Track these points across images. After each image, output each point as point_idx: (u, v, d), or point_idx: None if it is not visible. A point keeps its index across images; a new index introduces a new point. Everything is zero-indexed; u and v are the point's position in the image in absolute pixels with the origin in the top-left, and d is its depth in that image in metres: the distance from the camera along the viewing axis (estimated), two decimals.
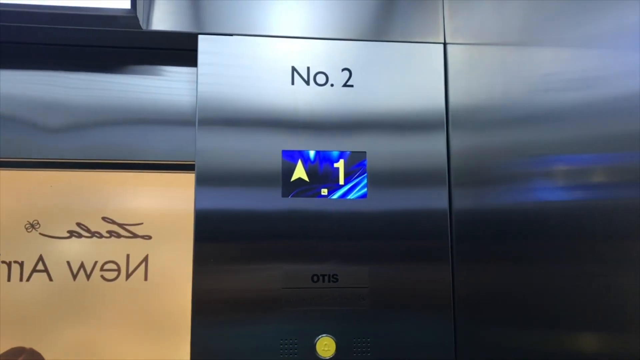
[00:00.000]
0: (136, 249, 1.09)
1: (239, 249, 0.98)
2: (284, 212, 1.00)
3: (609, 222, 0.57)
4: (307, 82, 1.04)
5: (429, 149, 1.04)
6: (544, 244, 0.70)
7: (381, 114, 1.04)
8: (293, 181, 1.01)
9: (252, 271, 0.98)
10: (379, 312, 0.99)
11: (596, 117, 0.59)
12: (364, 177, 1.02)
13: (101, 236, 1.09)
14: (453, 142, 1.04)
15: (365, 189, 1.02)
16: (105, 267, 1.08)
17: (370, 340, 0.98)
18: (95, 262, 1.08)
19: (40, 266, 1.06)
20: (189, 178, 1.06)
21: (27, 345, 1.04)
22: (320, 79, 1.04)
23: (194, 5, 1.05)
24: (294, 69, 1.04)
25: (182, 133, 1.10)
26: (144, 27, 1.02)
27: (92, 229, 1.09)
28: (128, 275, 1.08)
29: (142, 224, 1.10)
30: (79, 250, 1.08)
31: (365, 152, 1.03)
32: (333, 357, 0.97)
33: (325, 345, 0.97)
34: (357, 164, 1.03)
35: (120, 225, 1.09)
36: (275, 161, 1.01)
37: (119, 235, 1.09)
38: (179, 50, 1.11)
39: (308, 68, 1.05)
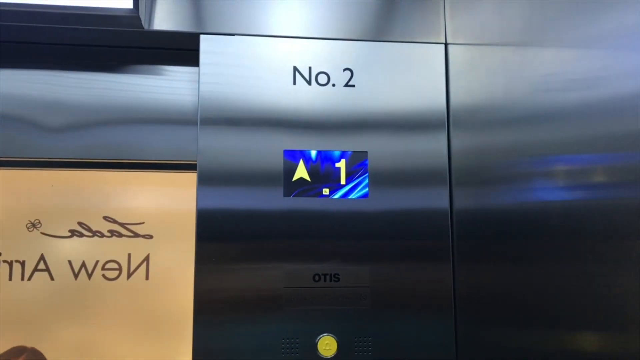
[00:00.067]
0: (137, 249, 1.09)
1: (241, 248, 0.98)
2: (286, 211, 1.00)
3: (609, 222, 0.58)
4: (309, 82, 1.04)
5: (430, 149, 1.04)
6: (544, 244, 0.71)
7: (382, 113, 1.05)
8: (295, 181, 1.01)
9: (253, 270, 0.98)
10: (380, 312, 0.99)
11: (597, 117, 0.60)
12: (365, 177, 1.02)
13: (102, 235, 1.09)
14: (454, 142, 1.04)
15: (367, 189, 1.02)
16: (107, 266, 1.08)
17: (371, 340, 0.98)
18: (97, 262, 1.08)
19: (41, 265, 1.06)
20: (191, 177, 1.06)
21: (29, 345, 1.04)
22: (322, 79, 1.05)
23: (195, 5, 1.05)
24: (295, 69, 1.04)
25: (184, 133, 1.11)
26: (146, 27, 1.03)
27: (94, 228, 1.09)
28: (129, 275, 1.08)
29: (143, 223, 1.10)
30: (81, 249, 1.08)
31: (366, 152, 1.03)
32: (334, 356, 0.97)
33: (327, 344, 0.97)
34: (358, 164, 1.03)
35: (122, 225, 1.09)
36: (277, 161, 1.01)
37: (120, 235, 1.09)
38: (181, 50, 1.11)
39: (310, 68, 1.05)
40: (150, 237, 1.10)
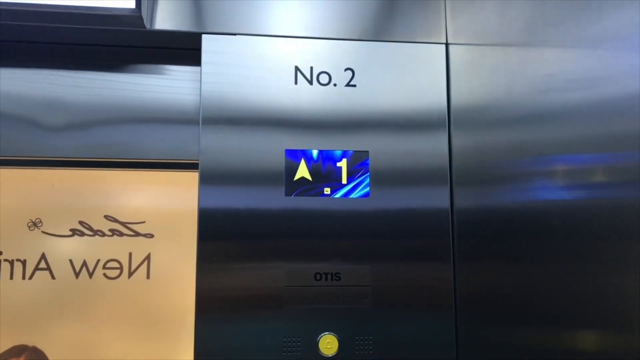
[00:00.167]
0: (138, 248, 1.09)
1: (242, 247, 0.99)
2: (287, 211, 1.00)
3: (610, 222, 0.58)
4: (310, 82, 1.04)
5: (431, 148, 1.05)
6: (545, 244, 0.71)
7: (384, 113, 1.05)
8: (296, 180, 1.01)
9: (255, 269, 0.98)
10: (381, 311, 0.99)
11: (597, 117, 0.60)
12: (366, 177, 1.03)
13: (103, 234, 1.09)
14: (455, 141, 1.04)
15: (368, 188, 1.02)
16: (108, 265, 1.08)
17: (372, 338, 0.98)
18: (98, 261, 1.08)
19: (42, 264, 1.07)
20: (192, 177, 1.07)
21: (30, 343, 1.04)
22: (323, 78, 1.05)
23: (197, 5, 1.06)
24: (297, 68, 1.05)
25: (185, 132, 1.11)
26: (148, 26, 1.03)
27: (95, 228, 1.09)
28: (130, 274, 1.08)
29: (144, 222, 1.10)
30: (82, 248, 1.08)
31: (367, 151, 1.03)
32: (335, 354, 0.97)
33: (328, 343, 0.97)
34: (359, 163, 1.03)
35: (123, 224, 1.10)
36: (278, 160, 1.01)
37: (121, 234, 1.09)
38: (183, 49, 1.11)
39: (311, 68, 1.05)
40: (152, 236, 1.10)
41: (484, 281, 0.93)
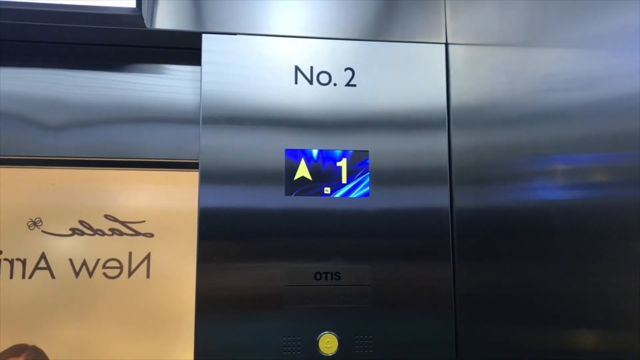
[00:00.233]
0: (138, 247, 1.09)
1: (243, 246, 0.99)
2: (287, 210, 1.00)
3: (609, 222, 0.58)
4: (310, 82, 1.05)
5: (431, 148, 1.05)
6: (545, 243, 0.71)
7: (383, 113, 1.05)
8: (296, 180, 1.01)
9: (255, 269, 0.98)
10: (381, 310, 0.99)
11: (597, 117, 0.60)
12: (366, 176, 1.03)
13: (103, 234, 1.09)
14: (454, 141, 1.04)
15: (368, 188, 1.03)
16: (108, 264, 1.08)
17: (372, 338, 0.99)
18: (98, 260, 1.08)
19: (42, 264, 1.07)
20: (193, 176, 1.07)
21: (30, 343, 1.04)
22: (324, 78, 1.05)
23: (198, 4, 1.06)
24: (297, 68, 1.05)
25: (186, 131, 1.11)
26: (148, 25, 1.03)
27: (95, 227, 1.09)
28: (130, 273, 1.08)
29: (144, 221, 1.10)
30: (81, 247, 1.08)
31: (367, 151, 1.04)
32: (335, 354, 0.97)
33: (328, 342, 0.97)
34: (359, 163, 1.03)
35: (123, 223, 1.10)
36: (278, 160, 1.01)
37: (121, 233, 1.09)
38: (183, 49, 1.11)
39: (311, 67, 1.05)
40: (151, 235, 1.10)
41: (483, 281, 0.93)
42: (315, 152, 1.03)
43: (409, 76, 1.07)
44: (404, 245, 1.02)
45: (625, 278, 0.55)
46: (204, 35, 1.04)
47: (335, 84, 1.05)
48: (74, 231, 1.08)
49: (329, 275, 1.00)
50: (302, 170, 1.02)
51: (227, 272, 0.98)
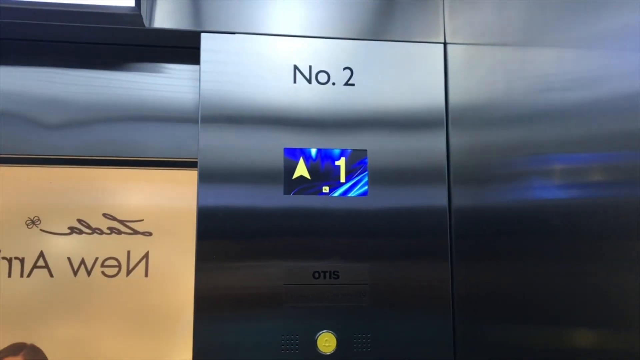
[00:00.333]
0: (137, 246, 1.09)
1: (241, 245, 0.99)
2: (286, 209, 1.00)
3: (608, 221, 0.58)
4: (309, 81, 1.05)
5: (429, 147, 1.05)
6: (543, 243, 0.71)
7: (382, 112, 1.05)
8: (295, 179, 1.02)
9: (253, 268, 0.98)
10: (379, 309, 1.00)
11: (596, 116, 0.60)
12: (364, 175, 1.03)
13: (102, 233, 1.09)
14: (453, 140, 1.05)
15: (366, 187, 1.03)
16: (106, 263, 1.08)
17: (370, 336, 0.99)
18: (96, 259, 1.08)
19: (40, 262, 1.06)
20: (191, 175, 1.07)
21: (28, 341, 1.04)
22: (322, 77, 1.05)
23: (196, 3, 1.06)
24: (296, 67, 1.05)
25: (184, 130, 1.11)
26: (147, 24, 1.03)
27: (93, 226, 1.09)
28: (129, 272, 1.08)
29: (142, 220, 1.10)
30: (80, 246, 1.08)
31: (366, 150, 1.04)
32: (334, 352, 0.97)
33: (326, 341, 0.98)
34: (358, 162, 1.03)
35: (121, 222, 1.10)
36: (277, 159, 1.02)
37: (119, 232, 1.09)
38: (182, 48, 1.11)
39: (310, 67, 1.05)
40: (150, 234, 1.10)
41: (481, 280, 0.93)
42: (313, 151, 1.03)
43: (407, 76, 1.07)
44: (402, 244, 1.02)
45: (624, 278, 0.55)
46: (202, 35, 1.04)
47: (333, 83, 1.05)
48: (73, 230, 1.08)
49: (327, 274, 1.00)
50: (301, 169, 1.02)
51: (225, 270, 0.98)
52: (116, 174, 1.10)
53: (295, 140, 1.03)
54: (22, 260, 1.06)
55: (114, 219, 1.09)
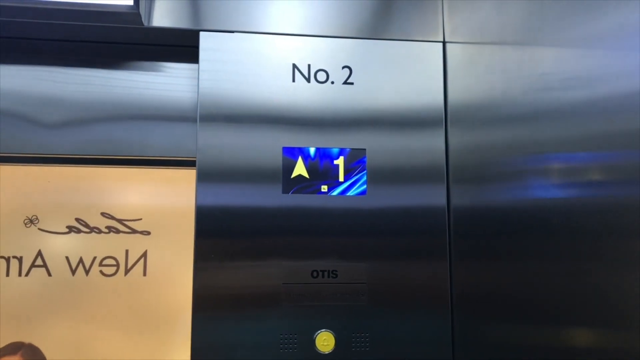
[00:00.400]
0: (135, 245, 1.09)
1: (240, 245, 0.99)
2: (284, 208, 1.00)
3: (607, 220, 0.58)
4: (308, 80, 1.05)
5: (428, 146, 1.05)
6: (542, 242, 0.71)
7: (381, 111, 1.05)
8: (293, 178, 1.02)
9: (252, 267, 0.98)
10: (378, 308, 1.00)
11: (595, 115, 0.60)
12: (363, 174, 1.03)
13: (100, 232, 1.09)
14: (451, 139, 1.05)
15: (365, 186, 1.03)
16: (104, 262, 1.08)
17: (368, 336, 0.99)
18: (94, 258, 1.08)
19: (39, 261, 1.06)
20: (190, 174, 1.07)
21: (26, 340, 1.04)
22: (321, 76, 1.05)
23: (195, 2, 1.06)
24: (294, 66, 1.05)
25: (183, 129, 1.11)
26: (145, 23, 1.02)
27: (91, 225, 1.09)
28: (127, 271, 1.08)
29: (141, 219, 1.10)
30: (78, 245, 1.08)
31: (365, 149, 1.04)
32: (332, 351, 0.97)
33: (325, 340, 0.98)
34: (356, 161, 1.03)
35: (119, 221, 1.09)
36: (275, 158, 1.02)
37: (118, 231, 1.09)
38: (181, 46, 1.11)
39: (309, 65, 1.05)
40: (148, 233, 1.10)
41: (480, 279, 0.93)
42: (312, 150, 1.03)
43: (406, 74, 1.07)
44: (400, 244, 1.02)
45: (623, 277, 0.55)
46: (201, 33, 1.04)
47: (332, 82, 1.05)
48: (71, 229, 1.08)
49: (325, 273, 1.00)
50: (300, 168, 1.02)
51: (223, 270, 0.98)
52: (114, 173, 1.10)
53: (293, 139, 1.03)
54: (20, 260, 1.06)
55: (112, 218, 1.09)
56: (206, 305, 0.97)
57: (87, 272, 1.07)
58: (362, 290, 1.00)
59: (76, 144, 1.09)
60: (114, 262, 1.08)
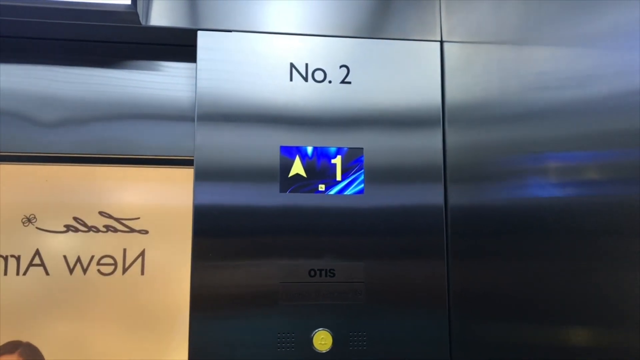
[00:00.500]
0: (133, 244, 1.09)
1: (237, 244, 0.99)
2: (282, 207, 1.00)
3: (604, 219, 0.58)
4: (305, 79, 1.05)
5: (425, 145, 1.05)
6: (539, 241, 0.71)
7: (378, 110, 1.05)
8: (291, 177, 1.02)
9: (249, 266, 0.98)
10: (375, 307, 1.00)
11: (592, 114, 0.60)
12: (361, 173, 1.03)
13: (98, 230, 1.09)
14: (449, 139, 1.05)
15: (362, 185, 1.03)
16: (102, 261, 1.08)
17: (366, 334, 0.99)
18: (92, 257, 1.08)
19: (36, 260, 1.06)
20: (187, 173, 1.07)
21: (24, 339, 1.04)
22: (319, 75, 1.05)
23: (193, 1, 1.05)
24: (292, 65, 1.05)
25: (180, 128, 1.11)
26: (143, 22, 1.02)
27: (89, 224, 1.09)
28: (125, 270, 1.08)
29: (139, 218, 1.10)
30: (76, 244, 1.08)
31: (362, 148, 1.04)
32: (329, 350, 0.97)
33: (322, 339, 0.98)
34: (354, 160, 1.03)
35: (117, 220, 1.09)
36: (273, 157, 1.02)
37: (115, 230, 1.09)
38: (178, 46, 1.11)
39: (306, 65, 1.05)
40: (146, 232, 1.10)
41: (477, 278, 0.93)
42: (310, 149, 1.03)
43: (403, 74, 1.07)
44: (398, 243, 1.02)
45: (621, 276, 0.55)
46: (199, 32, 1.04)
47: (330, 82, 1.05)
48: (68, 228, 1.08)
49: (323, 272, 1.00)
50: (297, 167, 1.02)
51: (221, 269, 0.98)
52: (112, 172, 1.10)
53: (291, 138, 1.03)
54: (18, 259, 1.06)
55: (110, 217, 1.09)
56: (204, 304, 0.97)
57: (85, 271, 1.07)
58: (360, 289, 1.00)
59: (74, 143, 1.09)
60: (111, 261, 1.08)
